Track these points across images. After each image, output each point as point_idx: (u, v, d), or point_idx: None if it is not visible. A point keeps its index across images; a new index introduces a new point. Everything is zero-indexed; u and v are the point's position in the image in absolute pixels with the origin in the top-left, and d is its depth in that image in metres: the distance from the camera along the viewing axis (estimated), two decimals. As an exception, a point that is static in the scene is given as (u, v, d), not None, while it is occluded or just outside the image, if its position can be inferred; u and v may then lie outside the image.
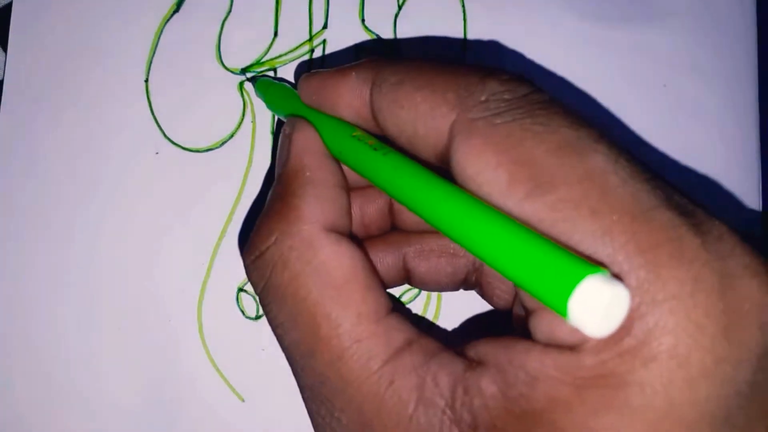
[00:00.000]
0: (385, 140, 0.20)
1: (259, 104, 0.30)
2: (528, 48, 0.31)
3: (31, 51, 0.30)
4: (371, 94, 0.20)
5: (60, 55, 0.30)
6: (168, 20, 0.30)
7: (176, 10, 0.30)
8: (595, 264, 0.14)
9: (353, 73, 0.21)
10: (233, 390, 0.28)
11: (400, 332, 0.18)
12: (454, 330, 0.29)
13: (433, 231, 0.24)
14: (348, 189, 0.21)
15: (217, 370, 0.28)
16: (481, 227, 0.15)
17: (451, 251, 0.24)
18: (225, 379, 0.28)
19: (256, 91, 0.28)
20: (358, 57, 0.30)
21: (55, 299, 0.28)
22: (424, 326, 0.29)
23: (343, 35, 0.30)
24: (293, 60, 0.30)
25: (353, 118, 0.21)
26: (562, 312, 0.14)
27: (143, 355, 0.28)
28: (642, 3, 0.31)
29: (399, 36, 0.31)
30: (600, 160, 0.16)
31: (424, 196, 0.17)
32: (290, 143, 0.21)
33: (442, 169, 0.18)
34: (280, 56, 0.30)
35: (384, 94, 0.20)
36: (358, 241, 0.20)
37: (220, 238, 0.29)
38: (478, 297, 0.25)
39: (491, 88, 0.18)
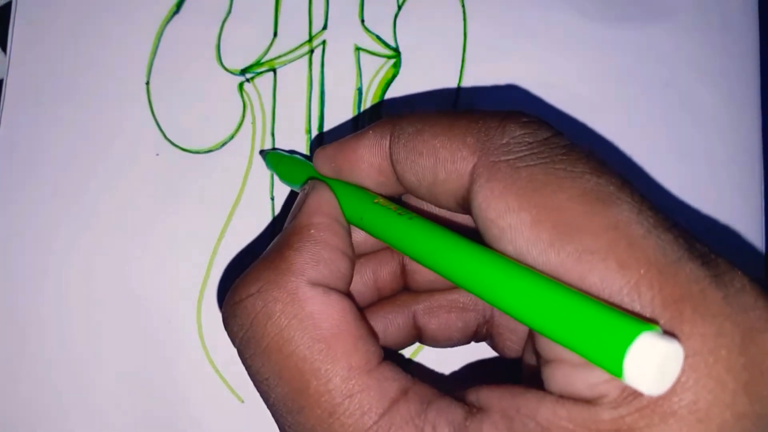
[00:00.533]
0: (406, 207, 0.20)
1: (259, 105, 0.30)
2: (528, 47, 0.31)
3: (33, 53, 0.30)
4: (390, 147, 0.20)
5: (61, 58, 0.30)
6: (168, 21, 0.30)
7: (176, 11, 0.30)
8: (644, 320, 0.14)
9: (370, 132, 0.21)
10: (233, 391, 0.28)
11: (394, 381, 0.18)
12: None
13: (442, 288, 0.24)
14: (352, 257, 0.21)
15: (217, 371, 0.28)
16: (524, 290, 0.15)
17: (461, 305, 0.24)
18: (224, 380, 0.28)
19: (267, 164, 0.28)
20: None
21: (54, 299, 0.28)
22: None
23: (343, 36, 0.30)
24: (293, 60, 0.30)
25: (374, 176, 0.21)
26: (617, 372, 0.13)
27: (143, 356, 0.28)
28: (643, 2, 0.31)
29: (399, 36, 0.31)
30: (625, 209, 0.16)
31: (459, 259, 0.17)
32: (304, 202, 0.21)
33: (466, 228, 0.18)
34: (280, 57, 0.30)
35: (403, 145, 0.20)
36: (351, 298, 0.20)
37: (220, 239, 0.29)
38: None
39: (511, 131, 0.18)
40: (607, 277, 0.15)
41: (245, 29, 0.30)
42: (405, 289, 0.25)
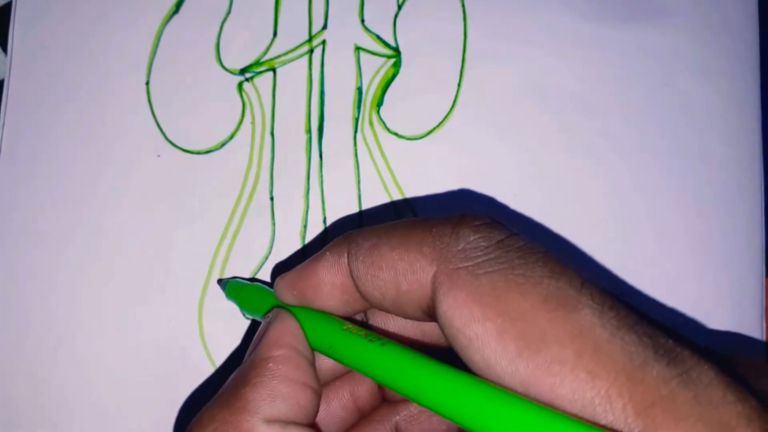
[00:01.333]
0: (377, 331, 0.20)
1: (258, 105, 0.30)
2: (528, 48, 0.31)
3: (34, 53, 0.30)
4: (349, 265, 0.20)
5: (61, 58, 0.30)
6: (168, 21, 0.30)
7: (175, 11, 0.30)
8: None
9: (327, 253, 0.21)
10: (232, 391, 0.28)
11: None
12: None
13: None
14: (316, 388, 0.20)
15: (217, 371, 0.28)
16: (510, 419, 0.15)
17: None
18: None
19: (226, 294, 0.27)
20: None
21: (55, 300, 0.28)
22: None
23: (343, 35, 0.30)
24: (293, 60, 0.30)
25: (338, 296, 0.21)
26: None
27: (143, 356, 0.28)
28: (642, 2, 0.31)
29: (399, 36, 0.31)
30: (587, 314, 0.16)
31: (442, 389, 0.16)
32: (264, 333, 0.21)
33: (440, 348, 0.18)
34: (280, 56, 0.30)
35: (361, 261, 0.19)
36: (316, 428, 0.20)
37: (221, 239, 0.29)
38: None
39: (465, 236, 0.18)
40: (577, 389, 0.15)
41: (245, 29, 0.30)
42: (383, 400, 0.24)
